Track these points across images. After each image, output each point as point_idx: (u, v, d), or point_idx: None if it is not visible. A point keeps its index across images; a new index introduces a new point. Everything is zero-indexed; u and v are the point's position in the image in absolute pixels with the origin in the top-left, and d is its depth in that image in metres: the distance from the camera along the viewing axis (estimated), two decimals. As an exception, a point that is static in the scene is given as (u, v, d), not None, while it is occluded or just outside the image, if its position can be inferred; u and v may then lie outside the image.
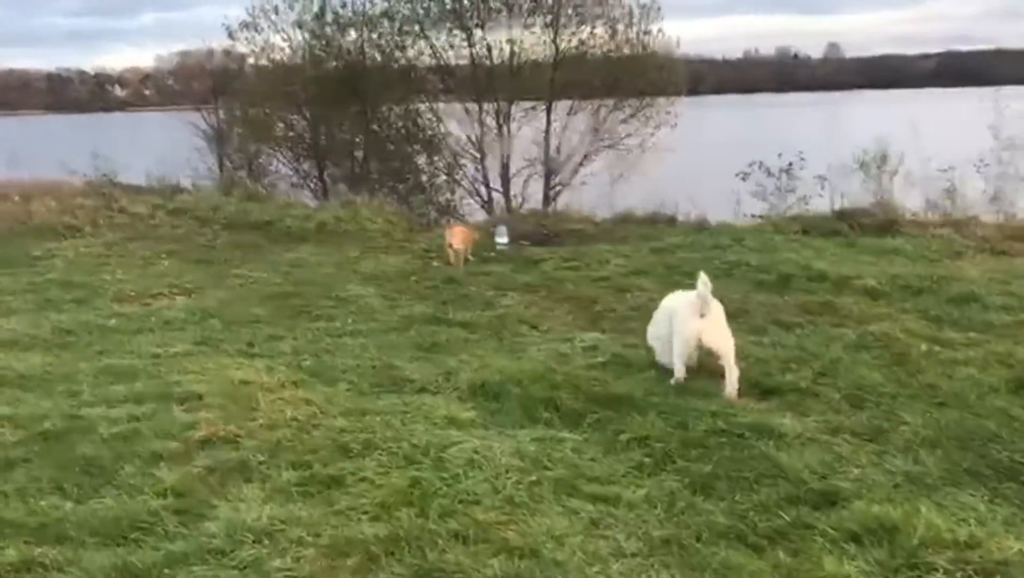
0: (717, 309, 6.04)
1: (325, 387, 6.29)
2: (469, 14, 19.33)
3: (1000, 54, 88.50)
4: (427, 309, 8.85)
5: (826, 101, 70.58)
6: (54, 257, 12.19)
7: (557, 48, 19.63)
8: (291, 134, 22.60)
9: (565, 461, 4.65)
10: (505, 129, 19.64)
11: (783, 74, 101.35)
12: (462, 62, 19.99)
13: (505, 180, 19.85)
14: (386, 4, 20.47)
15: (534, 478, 4.43)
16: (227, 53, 21.96)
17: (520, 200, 19.66)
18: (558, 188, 20.14)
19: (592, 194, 18.99)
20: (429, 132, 21.52)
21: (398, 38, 20.49)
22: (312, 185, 22.60)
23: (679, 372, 6.04)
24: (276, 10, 21.56)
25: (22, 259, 12.06)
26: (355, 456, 4.81)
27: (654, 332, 6.58)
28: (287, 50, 21.93)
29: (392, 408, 5.57)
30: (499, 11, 19.10)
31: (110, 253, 12.82)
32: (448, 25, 19.52)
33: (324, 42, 21.50)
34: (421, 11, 19.81)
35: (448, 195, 20.98)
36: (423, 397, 5.89)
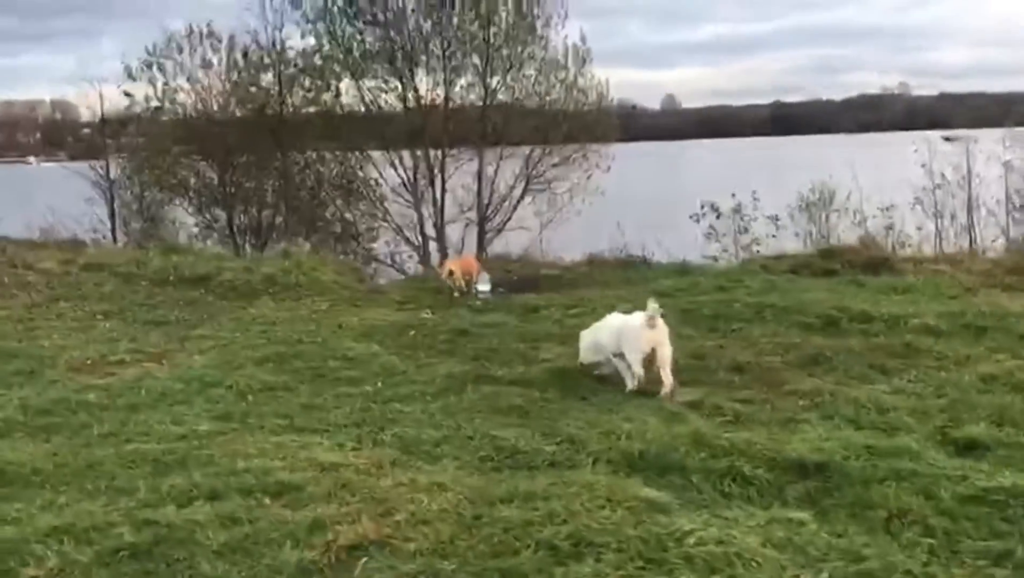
0: (662, 324, 6.91)
1: (429, 465, 5.29)
2: (401, 56, 18.44)
3: (822, 104, 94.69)
4: (463, 366, 7.91)
5: (667, 150, 71.71)
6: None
7: (487, 91, 19.01)
8: (193, 182, 20.99)
9: (836, 550, 3.84)
10: (439, 176, 18.81)
11: (626, 124, 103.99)
12: (394, 106, 19.08)
13: (440, 227, 18.95)
14: (307, 44, 19.32)
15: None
16: (128, 95, 20.17)
17: (461, 247, 18.83)
18: (491, 234, 19.40)
19: (524, 238, 18.55)
20: (351, 180, 20.46)
21: (319, 81, 19.38)
22: (220, 235, 21.01)
23: (638, 379, 6.86)
24: (179, 49, 20.09)
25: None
26: (569, 556, 3.86)
27: (596, 347, 7.36)
28: (190, 95, 20.40)
29: (548, 489, 4.62)
30: (432, 53, 18.29)
31: (33, 316, 11.21)
32: (378, 67, 18.58)
33: (236, 84, 20.12)
34: (341, 55, 18.77)
35: (374, 244, 19.87)
36: (568, 473, 4.96)
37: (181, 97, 20.25)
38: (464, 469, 5.19)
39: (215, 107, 20.56)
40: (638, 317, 7.03)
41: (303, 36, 19.24)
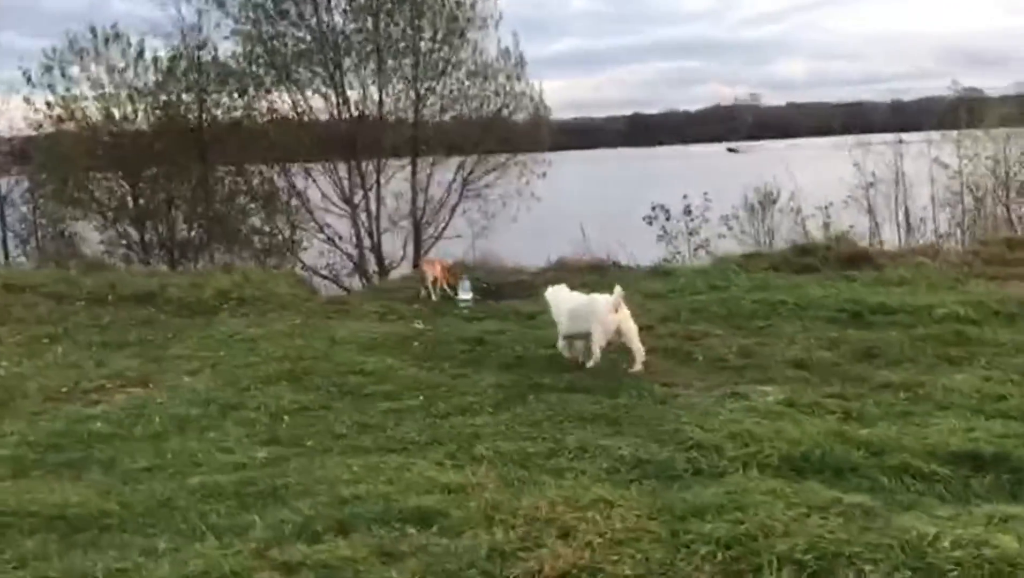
0: (624, 307, 7.49)
1: (555, 479, 4.81)
2: (330, 60, 17.66)
3: (679, 115, 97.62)
4: (505, 376, 7.43)
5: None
6: None
7: (418, 98, 18.42)
8: (98, 195, 19.55)
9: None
10: (374, 186, 18.12)
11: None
12: (321, 115, 18.27)
13: (376, 237, 18.25)
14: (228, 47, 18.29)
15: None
16: (27, 101, 18.56)
17: (402, 255, 18.20)
18: (430, 241, 18.83)
19: (464, 244, 18.10)
20: (272, 192, 19.50)
21: (239, 88, 18.35)
22: (130, 251, 19.64)
23: (597, 357, 7.43)
24: (83, 54, 18.69)
25: None
26: (822, 572, 3.46)
27: (572, 327, 7.79)
28: (95, 106, 18.98)
29: (732, 499, 4.19)
30: (361, 56, 17.57)
31: (-34, 342, 10.06)
32: (304, 71, 17.72)
33: (146, 92, 18.86)
34: (266, 56, 17.82)
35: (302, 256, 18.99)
36: (731, 479, 4.57)
37: (87, 107, 18.81)
38: (601, 483, 4.70)
39: (123, 116, 19.21)
40: (604, 300, 7.54)
41: (225, 38, 18.10)
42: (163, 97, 19.16)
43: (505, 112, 18.89)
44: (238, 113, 18.76)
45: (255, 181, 19.45)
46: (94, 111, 18.94)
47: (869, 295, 9.33)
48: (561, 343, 7.91)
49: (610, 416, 6.03)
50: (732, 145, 61.64)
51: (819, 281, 10.82)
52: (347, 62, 17.98)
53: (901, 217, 17.74)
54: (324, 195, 18.41)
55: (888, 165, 17.67)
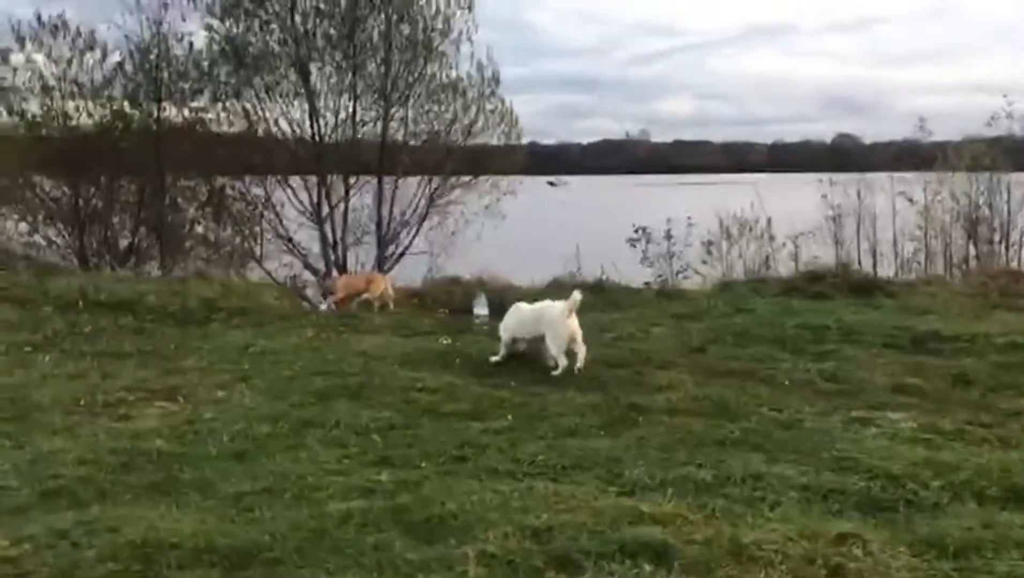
0: (574, 315, 7.87)
1: (759, 511, 4.38)
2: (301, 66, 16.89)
3: (570, 147, 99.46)
4: (590, 395, 6.96)
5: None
6: None
7: (386, 117, 17.79)
8: (29, 196, 18.19)
9: None
10: (341, 201, 17.38)
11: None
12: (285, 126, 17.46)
13: (343, 251, 17.49)
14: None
15: None
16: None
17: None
18: (394, 257, 18.17)
19: (420, 262, 17.64)
20: (221, 203, 18.54)
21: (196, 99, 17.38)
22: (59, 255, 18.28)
23: (563, 362, 7.70)
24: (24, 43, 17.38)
25: None
26: None
27: (519, 330, 8.21)
28: (36, 102, 17.70)
29: (977, 537, 3.86)
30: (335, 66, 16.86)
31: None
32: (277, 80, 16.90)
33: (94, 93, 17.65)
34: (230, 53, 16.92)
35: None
36: (953, 509, 4.23)
37: (26, 105, 17.48)
38: (824, 516, 4.31)
39: (65, 114, 17.94)
40: (559, 306, 7.93)
41: (189, 34, 17.05)
42: (109, 95, 17.87)
43: (474, 130, 18.32)
44: (194, 116, 17.63)
45: (203, 189, 18.35)
46: (34, 107, 17.57)
47: (912, 322, 9.23)
48: (503, 350, 8.28)
49: (747, 441, 5.63)
50: (552, 179, 62.32)
51: (842, 307, 10.74)
52: (315, 71, 17.15)
53: (864, 247, 18.10)
54: (293, 206, 17.49)
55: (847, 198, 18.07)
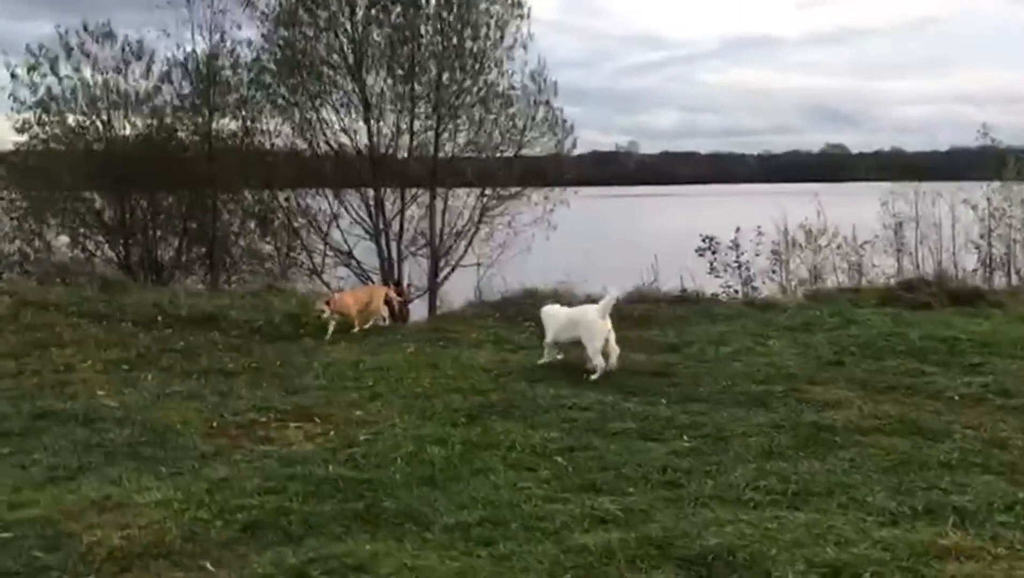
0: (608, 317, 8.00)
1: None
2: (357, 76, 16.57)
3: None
4: (760, 414, 6.62)
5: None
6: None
7: (438, 133, 17.44)
8: (82, 212, 17.83)
9: None
10: (397, 215, 17.06)
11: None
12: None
13: (398, 264, 17.14)
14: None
15: None
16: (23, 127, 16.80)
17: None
18: (446, 270, 17.82)
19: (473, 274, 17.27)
20: (264, 211, 18.18)
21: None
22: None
23: (601, 363, 7.82)
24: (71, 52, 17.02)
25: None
26: None
27: (560, 334, 8.30)
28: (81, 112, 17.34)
29: None
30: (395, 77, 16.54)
31: (29, 368, 8.68)
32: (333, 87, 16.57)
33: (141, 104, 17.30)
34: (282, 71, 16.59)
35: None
36: None
37: (71, 117, 17.12)
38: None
39: (109, 125, 17.57)
40: (594, 308, 8.13)
41: (233, 48, 16.71)
42: (156, 105, 17.52)
43: (524, 141, 18.00)
44: (245, 127, 17.28)
45: (252, 201, 17.99)
46: (80, 119, 17.19)
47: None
48: (546, 352, 8.41)
49: (969, 461, 5.31)
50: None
51: (952, 317, 10.42)
52: (371, 80, 16.82)
53: (924, 254, 17.72)
54: (351, 217, 17.12)
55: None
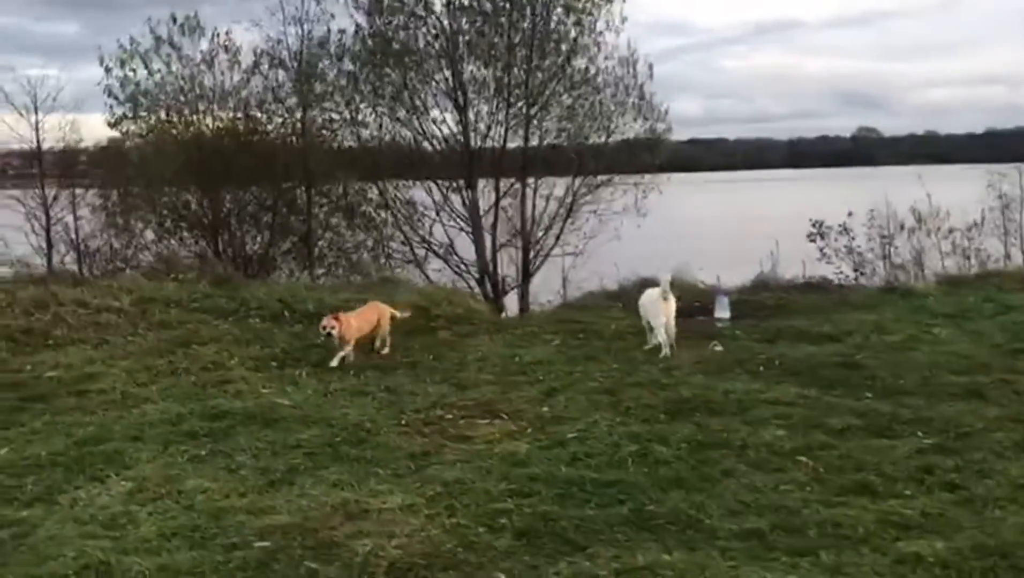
0: (671, 296, 8.45)
1: None
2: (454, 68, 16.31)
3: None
4: (971, 406, 6.25)
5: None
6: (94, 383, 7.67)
7: (528, 124, 17.08)
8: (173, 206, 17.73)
9: None
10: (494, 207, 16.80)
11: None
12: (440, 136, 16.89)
13: (492, 256, 16.88)
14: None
15: None
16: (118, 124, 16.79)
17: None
18: (538, 261, 17.51)
19: (565, 263, 17.00)
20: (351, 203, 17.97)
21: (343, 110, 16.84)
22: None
23: (667, 346, 8.24)
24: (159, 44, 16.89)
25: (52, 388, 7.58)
26: None
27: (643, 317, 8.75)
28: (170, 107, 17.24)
29: None
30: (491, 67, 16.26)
31: (188, 364, 8.49)
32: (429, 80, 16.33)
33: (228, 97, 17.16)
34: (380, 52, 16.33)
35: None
36: None
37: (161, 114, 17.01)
38: None
39: (198, 118, 17.43)
40: (655, 291, 8.56)
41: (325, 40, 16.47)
42: (244, 98, 17.34)
43: (613, 127, 17.61)
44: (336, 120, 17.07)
45: (342, 192, 17.79)
46: (168, 113, 17.07)
47: None
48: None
49: None
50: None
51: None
52: (467, 71, 16.53)
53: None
54: (452, 211, 16.91)
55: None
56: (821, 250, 15.14)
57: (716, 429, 5.90)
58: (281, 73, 16.88)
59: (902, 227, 15.73)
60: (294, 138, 17.21)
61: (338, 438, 6.17)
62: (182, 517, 4.76)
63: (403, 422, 6.53)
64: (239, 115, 17.45)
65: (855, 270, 14.98)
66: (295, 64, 16.73)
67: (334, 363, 8.38)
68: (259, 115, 17.47)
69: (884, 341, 8.61)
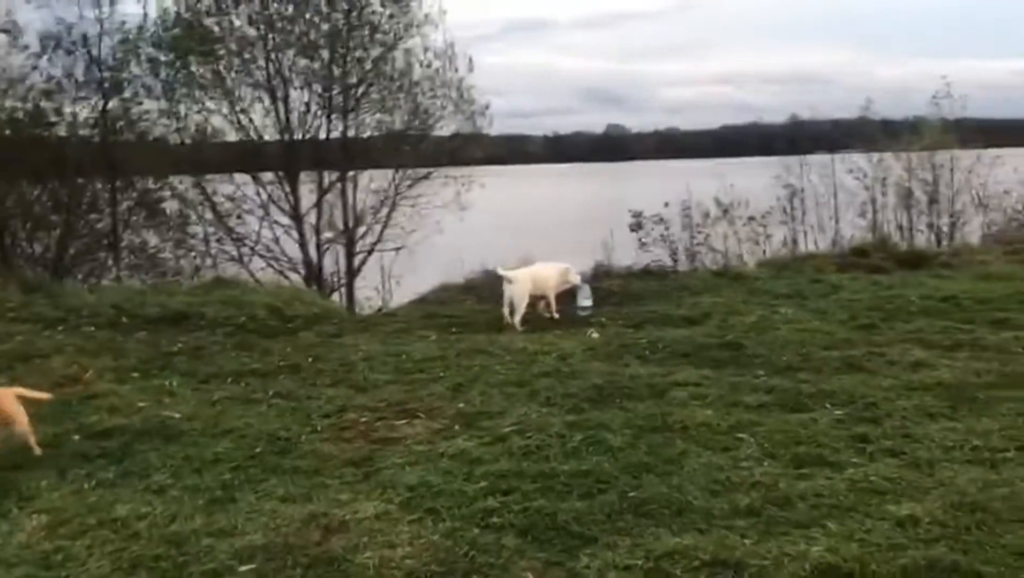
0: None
1: None
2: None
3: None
4: (903, 379, 6.78)
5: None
6: None
7: (345, 110, 16.75)
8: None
9: None
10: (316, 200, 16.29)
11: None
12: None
13: (316, 250, 16.37)
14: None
15: None
16: None
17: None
18: (362, 254, 17.20)
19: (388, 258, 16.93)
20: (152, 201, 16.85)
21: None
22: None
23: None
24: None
25: None
26: None
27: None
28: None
29: None
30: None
31: (38, 380, 7.65)
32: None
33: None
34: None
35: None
36: None
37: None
38: None
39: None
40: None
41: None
42: (29, 88, 15.75)
43: (433, 122, 17.59)
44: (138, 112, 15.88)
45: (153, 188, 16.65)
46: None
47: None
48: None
49: None
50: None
51: (920, 278, 11.12)
52: (283, 61, 15.89)
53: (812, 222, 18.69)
54: (276, 206, 16.16)
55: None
56: (640, 240, 15.86)
57: (646, 414, 6.03)
58: (76, 60, 15.39)
59: (707, 215, 16.79)
60: (94, 131, 15.79)
61: (258, 449, 5.79)
62: (133, 546, 4.32)
63: (317, 429, 6.22)
64: (25, 105, 15.78)
65: (671, 257, 15.81)
66: (88, 51, 15.30)
67: None
68: (47, 105, 15.88)
69: (743, 322, 9.10)
